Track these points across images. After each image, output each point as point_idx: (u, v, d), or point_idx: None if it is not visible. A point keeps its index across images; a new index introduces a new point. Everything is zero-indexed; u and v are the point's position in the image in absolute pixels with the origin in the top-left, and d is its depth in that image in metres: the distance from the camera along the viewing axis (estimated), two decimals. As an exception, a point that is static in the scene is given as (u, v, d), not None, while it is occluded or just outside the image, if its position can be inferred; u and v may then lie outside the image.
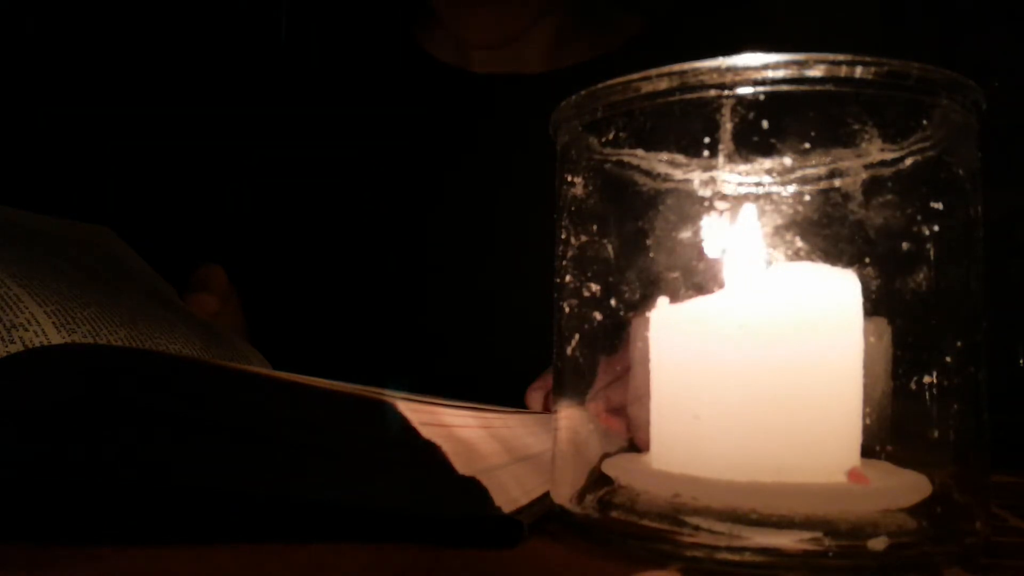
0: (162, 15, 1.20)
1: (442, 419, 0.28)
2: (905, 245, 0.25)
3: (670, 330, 0.26)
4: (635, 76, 0.26)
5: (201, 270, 0.60)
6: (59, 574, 0.20)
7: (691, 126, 0.25)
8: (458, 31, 0.70)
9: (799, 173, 0.25)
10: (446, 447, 0.25)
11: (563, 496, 0.27)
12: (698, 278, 0.26)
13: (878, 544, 0.22)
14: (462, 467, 0.25)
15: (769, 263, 0.25)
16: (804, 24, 1.04)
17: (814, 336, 0.24)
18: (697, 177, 0.26)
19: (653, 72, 0.25)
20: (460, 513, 0.24)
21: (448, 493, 0.24)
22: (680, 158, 0.26)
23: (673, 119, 0.26)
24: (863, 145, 0.25)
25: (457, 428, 0.29)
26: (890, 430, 0.25)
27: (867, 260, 0.25)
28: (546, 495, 0.29)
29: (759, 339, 0.24)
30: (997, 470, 0.44)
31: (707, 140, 0.25)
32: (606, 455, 0.28)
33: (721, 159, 0.25)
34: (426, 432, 0.25)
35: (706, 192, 0.25)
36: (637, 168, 0.27)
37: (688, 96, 0.25)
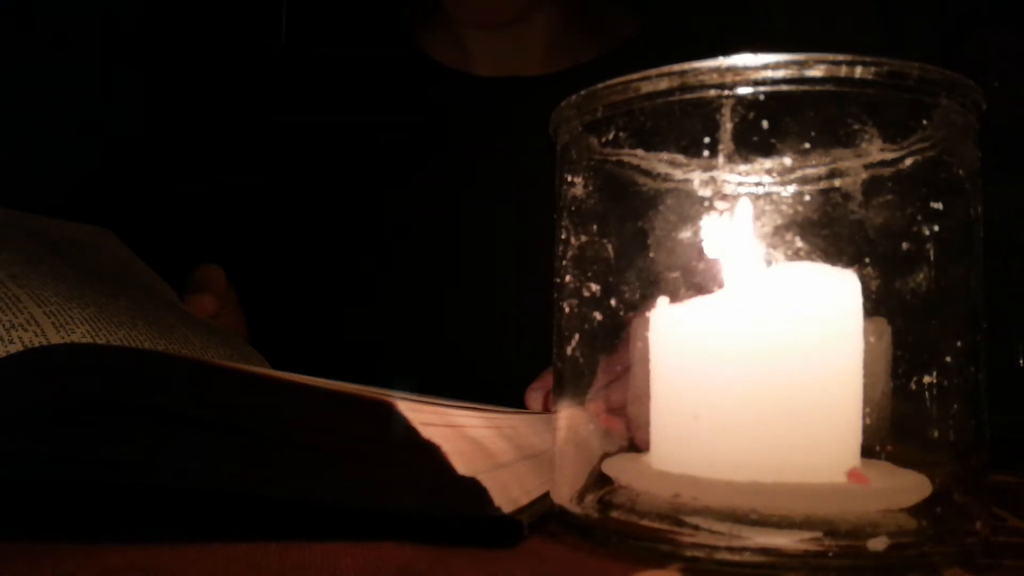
0: (163, 15, 1.20)
1: (449, 419, 0.28)
2: (905, 245, 0.25)
3: (670, 330, 0.26)
4: (635, 76, 0.26)
5: (200, 271, 0.60)
6: (59, 573, 0.20)
7: (691, 126, 0.25)
8: (458, 8, 0.70)
9: (799, 173, 0.25)
10: (454, 446, 0.25)
11: (563, 496, 0.27)
12: (698, 278, 0.26)
13: (878, 544, 0.22)
14: (471, 465, 0.25)
15: (769, 263, 0.25)
16: (803, 24, 1.04)
17: (814, 336, 0.24)
18: (697, 177, 0.26)
19: (653, 72, 0.25)
20: (460, 513, 0.24)
21: (448, 493, 0.24)
22: (680, 158, 0.26)
23: (673, 119, 0.26)
24: (863, 145, 0.25)
25: (467, 427, 0.29)
26: (890, 430, 0.25)
27: (867, 260, 0.25)
28: (546, 495, 0.29)
29: (759, 339, 0.24)
30: (997, 470, 0.44)
31: (707, 140, 0.25)
32: (606, 455, 0.28)
33: (721, 159, 0.25)
34: (428, 432, 0.25)
35: (706, 192, 0.25)
36: (637, 168, 0.27)
37: (688, 96, 0.25)
